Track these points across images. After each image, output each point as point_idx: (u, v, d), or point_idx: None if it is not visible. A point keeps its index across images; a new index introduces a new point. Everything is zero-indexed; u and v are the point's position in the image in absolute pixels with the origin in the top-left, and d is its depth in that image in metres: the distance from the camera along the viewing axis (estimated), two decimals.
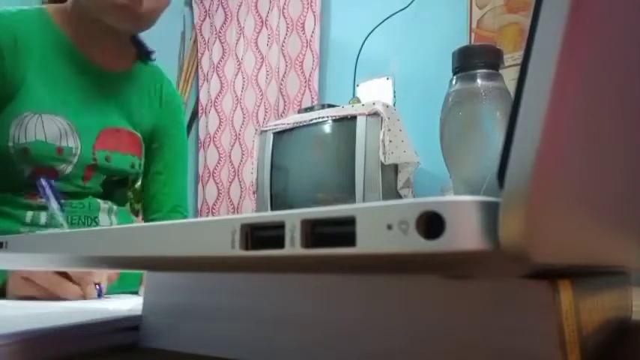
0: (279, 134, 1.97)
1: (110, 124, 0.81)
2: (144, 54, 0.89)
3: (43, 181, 0.67)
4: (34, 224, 0.74)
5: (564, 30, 0.12)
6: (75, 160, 0.76)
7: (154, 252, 0.18)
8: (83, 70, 0.80)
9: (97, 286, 0.55)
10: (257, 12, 2.68)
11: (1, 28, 0.74)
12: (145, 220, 0.95)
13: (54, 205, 0.66)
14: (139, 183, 0.93)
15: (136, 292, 0.72)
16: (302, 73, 2.47)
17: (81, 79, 0.79)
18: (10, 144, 0.72)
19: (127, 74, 0.85)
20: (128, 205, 0.93)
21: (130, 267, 0.24)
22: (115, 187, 0.84)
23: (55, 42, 0.78)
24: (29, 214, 0.74)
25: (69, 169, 0.76)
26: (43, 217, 0.74)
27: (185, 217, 0.95)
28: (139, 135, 0.86)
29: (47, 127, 0.74)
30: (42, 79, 0.75)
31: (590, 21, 0.13)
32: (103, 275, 0.57)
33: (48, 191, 0.66)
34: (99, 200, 0.81)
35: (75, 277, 0.54)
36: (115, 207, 0.84)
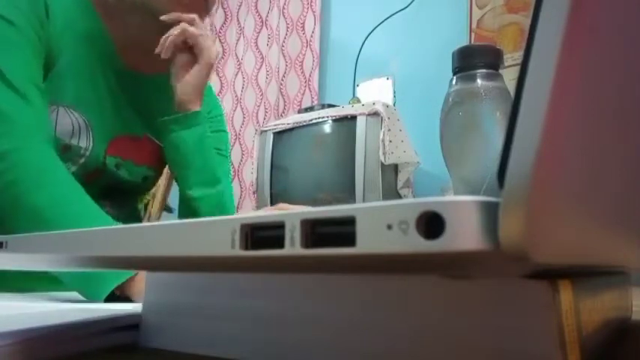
0: (279, 134, 1.97)
1: (130, 131, 0.76)
2: None
3: None
4: None
5: (564, 30, 0.12)
6: (81, 161, 0.72)
7: (154, 252, 0.18)
8: (114, 67, 0.74)
9: None
10: (257, 12, 2.68)
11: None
12: None
13: None
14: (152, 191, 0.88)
15: None
16: (302, 73, 2.47)
17: (110, 76, 0.74)
18: None
19: (161, 78, 0.78)
20: (142, 208, 0.88)
21: (130, 267, 0.24)
22: (119, 195, 0.80)
23: (90, 30, 0.72)
24: None
25: (73, 168, 0.72)
26: None
27: None
28: (161, 145, 0.80)
29: (60, 120, 0.69)
30: (69, 68, 0.70)
31: (590, 21, 0.13)
32: None
33: None
34: (104, 208, 0.78)
35: None
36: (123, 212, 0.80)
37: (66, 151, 0.71)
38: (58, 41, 0.69)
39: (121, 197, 0.81)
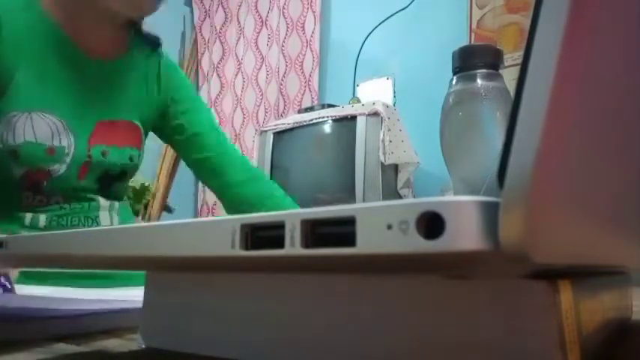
0: (279, 134, 1.97)
1: (105, 116, 0.77)
2: (151, 46, 0.84)
3: None
4: (33, 227, 0.72)
5: (564, 30, 0.12)
6: (68, 159, 0.73)
7: (154, 252, 0.18)
8: (75, 60, 0.75)
9: (1, 279, 0.40)
10: (257, 12, 2.68)
11: None
12: (225, 197, 0.89)
13: None
14: (142, 181, 0.91)
15: None
16: (302, 73, 2.47)
17: (73, 70, 0.75)
18: (0, 145, 0.69)
19: (122, 61, 0.81)
20: (127, 200, 0.91)
21: (130, 267, 0.24)
22: (112, 181, 0.81)
23: (44, 30, 0.73)
24: (29, 215, 0.73)
25: (62, 169, 0.73)
26: (42, 219, 0.73)
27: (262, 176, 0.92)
28: (138, 124, 0.82)
29: (37, 126, 0.70)
30: (31, 74, 0.71)
31: (590, 21, 0.13)
32: None
33: None
34: (100, 200, 0.79)
35: None
36: (116, 204, 0.82)
37: (52, 154, 0.72)
38: (14, 54, 0.70)
39: (112, 182, 0.81)
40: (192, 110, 0.89)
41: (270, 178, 1.97)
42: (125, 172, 0.82)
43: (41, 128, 0.71)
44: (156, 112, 0.86)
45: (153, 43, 0.85)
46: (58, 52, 0.74)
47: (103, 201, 0.80)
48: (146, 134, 0.87)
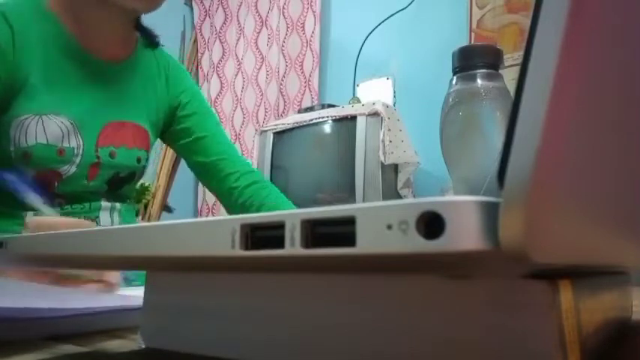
0: (279, 134, 1.97)
1: (114, 118, 0.78)
2: (150, 41, 0.86)
3: (9, 176, 0.63)
4: None
5: (564, 30, 0.12)
6: (78, 160, 0.74)
7: (154, 252, 0.18)
8: (84, 62, 0.76)
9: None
10: (257, 12, 2.68)
11: None
12: (225, 197, 0.90)
13: (32, 196, 0.62)
14: (141, 181, 0.91)
15: None
16: (302, 73, 2.47)
17: (82, 72, 0.76)
18: (12, 147, 0.70)
19: (129, 63, 0.82)
20: (130, 201, 0.91)
21: (131, 267, 0.24)
22: (121, 183, 0.82)
23: (54, 34, 0.74)
24: (29, 214, 0.73)
25: (72, 169, 0.74)
26: None
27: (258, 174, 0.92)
28: (145, 127, 0.83)
29: (48, 128, 0.71)
30: (43, 78, 0.72)
31: (590, 21, 0.13)
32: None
33: (19, 185, 0.62)
34: (102, 201, 0.79)
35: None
36: (117, 205, 0.82)
37: (62, 155, 0.73)
38: (27, 60, 0.71)
39: (121, 184, 0.82)
40: (199, 114, 0.90)
41: (271, 178, 1.98)
42: (134, 174, 0.83)
43: (52, 130, 0.72)
44: (163, 114, 0.87)
45: (153, 41, 0.86)
46: (68, 54, 0.75)
47: (104, 202, 0.80)
48: (155, 136, 0.87)
